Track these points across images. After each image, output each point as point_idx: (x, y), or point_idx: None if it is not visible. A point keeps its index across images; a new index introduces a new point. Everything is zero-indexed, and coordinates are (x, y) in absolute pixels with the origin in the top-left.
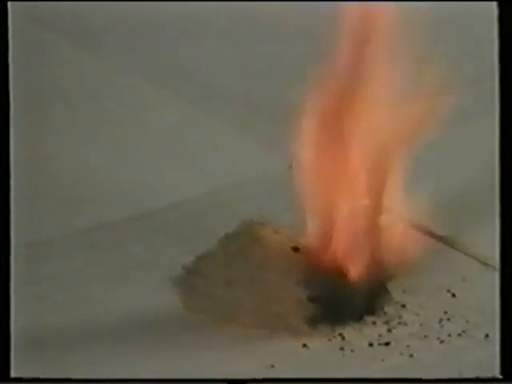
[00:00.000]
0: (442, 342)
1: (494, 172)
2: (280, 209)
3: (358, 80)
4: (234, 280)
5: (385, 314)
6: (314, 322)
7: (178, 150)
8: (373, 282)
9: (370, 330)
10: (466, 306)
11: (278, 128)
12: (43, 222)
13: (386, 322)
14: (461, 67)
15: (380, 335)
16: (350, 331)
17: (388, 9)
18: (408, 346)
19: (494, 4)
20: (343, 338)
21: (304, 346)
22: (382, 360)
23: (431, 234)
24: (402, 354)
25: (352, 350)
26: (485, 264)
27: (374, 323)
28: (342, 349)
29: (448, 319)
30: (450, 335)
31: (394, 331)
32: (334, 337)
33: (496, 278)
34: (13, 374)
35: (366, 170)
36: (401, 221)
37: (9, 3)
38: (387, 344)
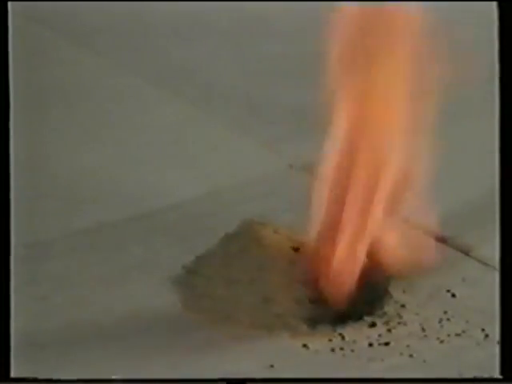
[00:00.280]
0: (441, 341)
1: (494, 172)
2: (280, 209)
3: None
4: (234, 280)
5: (385, 314)
6: (313, 322)
7: (178, 150)
8: (374, 282)
9: (370, 330)
10: (466, 306)
11: (278, 128)
12: (43, 222)
13: (386, 322)
14: (461, 67)
15: (380, 335)
16: (349, 331)
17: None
18: (408, 346)
19: (494, 4)
20: (343, 338)
21: (304, 345)
22: (382, 360)
23: (432, 234)
24: (401, 353)
25: (352, 350)
26: (485, 264)
27: (373, 323)
28: (342, 349)
29: (448, 319)
30: (449, 335)
31: (393, 331)
32: (334, 337)
33: (496, 278)
34: (13, 374)
35: (371, 172)
36: (403, 222)
37: (9, 3)
38: (387, 344)
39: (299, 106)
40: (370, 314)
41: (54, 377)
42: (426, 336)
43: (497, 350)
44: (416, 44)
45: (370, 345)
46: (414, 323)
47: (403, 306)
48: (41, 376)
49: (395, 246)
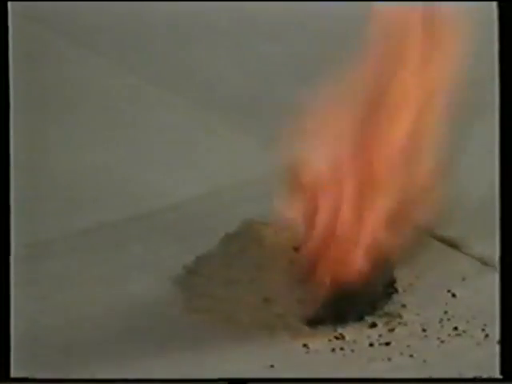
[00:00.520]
0: (442, 341)
1: (494, 172)
2: (280, 209)
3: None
4: (235, 280)
5: (385, 314)
6: (314, 322)
7: (178, 150)
8: (374, 281)
9: (371, 330)
10: (466, 306)
11: (278, 128)
12: (43, 222)
13: (387, 322)
14: (461, 67)
15: (380, 335)
16: (350, 331)
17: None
18: (408, 346)
19: (494, 4)
20: (343, 338)
21: (304, 345)
22: (383, 360)
23: (432, 235)
24: (402, 353)
25: (352, 350)
26: (485, 264)
27: (374, 323)
28: (342, 349)
29: (448, 319)
30: (449, 335)
31: (394, 331)
32: (334, 337)
33: (496, 278)
34: (13, 374)
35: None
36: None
37: (9, 3)
38: (387, 344)
39: (299, 106)
40: (370, 313)
41: (54, 377)
42: (426, 336)
43: (497, 350)
44: (416, 44)
45: (371, 345)
46: (414, 323)
47: (403, 305)
48: (41, 376)
49: (396, 244)
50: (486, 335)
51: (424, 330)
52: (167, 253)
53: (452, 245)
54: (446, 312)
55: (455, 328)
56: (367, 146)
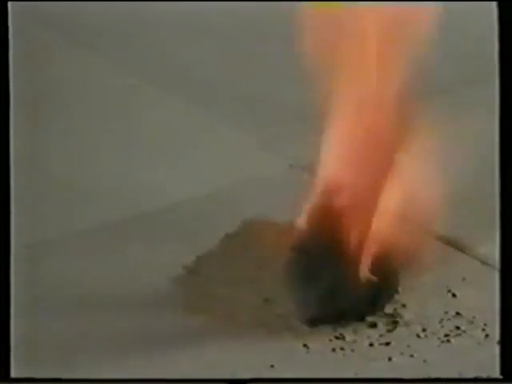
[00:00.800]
0: (442, 341)
1: (494, 172)
2: (280, 209)
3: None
4: (235, 280)
5: (385, 313)
6: (314, 322)
7: (178, 150)
8: (375, 281)
9: (371, 330)
10: (466, 305)
11: (278, 128)
12: (43, 222)
13: (387, 322)
14: (460, 67)
15: (380, 335)
16: (350, 331)
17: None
18: (408, 346)
19: (494, 4)
20: (344, 338)
21: (304, 345)
22: (383, 360)
23: (432, 234)
24: (402, 353)
25: (352, 350)
26: (485, 264)
27: (374, 323)
28: (342, 349)
29: (448, 319)
30: (450, 335)
31: (394, 331)
32: (334, 337)
33: (496, 278)
34: (13, 374)
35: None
36: (403, 221)
37: (9, 3)
38: (387, 344)
39: (299, 106)
40: (371, 314)
41: (54, 377)
42: (426, 336)
43: (497, 350)
44: (415, 44)
45: (371, 345)
46: (414, 323)
47: (404, 305)
48: (41, 376)
49: (399, 244)
50: (486, 335)
51: (424, 330)
52: (167, 253)
53: (452, 245)
54: (446, 312)
55: (455, 328)
56: (368, 145)
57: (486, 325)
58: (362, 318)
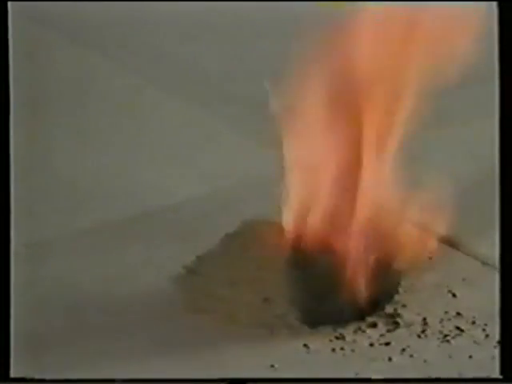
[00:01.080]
0: (442, 342)
1: (494, 171)
2: (280, 209)
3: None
4: (235, 280)
5: (385, 313)
6: (314, 322)
7: (179, 150)
8: (376, 281)
9: (371, 330)
10: (466, 305)
11: (278, 128)
12: (43, 222)
13: (387, 322)
14: (460, 67)
15: (381, 335)
16: (350, 331)
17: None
18: (408, 346)
19: (494, 4)
20: (344, 338)
21: (304, 345)
22: (383, 360)
23: (432, 233)
24: (402, 354)
25: (352, 350)
26: (485, 264)
27: (374, 323)
28: (342, 349)
29: (448, 319)
30: (450, 335)
31: (394, 331)
32: (334, 337)
33: (496, 278)
34: (13, 374)
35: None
36: (402, 220)
37: (9, 3)
38: (388, 344)
39: (299, 106)
40: (370, 313)
41: (54, 377)
42: (426, 336)
43: (497, 350)
44: (415, 44)
45: (371, 345)
46: (414, 323)
47: (404, 305)
48: (41, 376)
49: (402, 244)
50: (486, 335)
51: (424, 330)
52: (167, 253)
53: (452, 245)
54: (446, 312)
55: (455, 328)
56: (366, 147)
57: (486, 325)
58: (362, 318)
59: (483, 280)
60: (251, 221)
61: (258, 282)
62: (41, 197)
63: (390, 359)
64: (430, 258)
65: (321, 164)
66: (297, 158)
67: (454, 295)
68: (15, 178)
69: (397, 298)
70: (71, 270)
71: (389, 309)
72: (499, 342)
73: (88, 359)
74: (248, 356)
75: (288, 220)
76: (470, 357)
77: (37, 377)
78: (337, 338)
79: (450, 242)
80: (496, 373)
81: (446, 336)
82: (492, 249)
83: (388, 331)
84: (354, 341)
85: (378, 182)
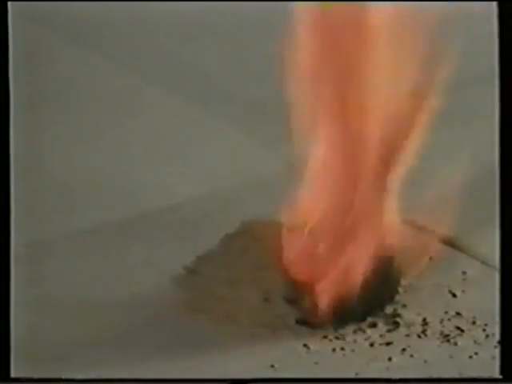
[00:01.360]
0: (442, 341)
1: (494, 171)
2: (280, 209)
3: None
4: (235, 280)
5: (385, 314)
6: (314, 322)
7: (179, 150)
8: (376, 281)
9: (371, 330)
10: (466, 305)
11: (278, 128)
12: (43, 222)
13: (387, 322)
14: (460, 67)
15: (381, 335)
16: (350, 331)
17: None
18: (408, 346)
19: (494, 4)
20: (344, 338)
21: (304, 345)
22: (383, 360)
23: (432, 234)
24: (402, 354)
25: (353, 350)
26: (485, 264)
27: (374, 323)
28: (342, 349)
29: (448, 319)
30: (450, 335)
31: (394, 331)
32: (334, 337)
33: (496, 277)
34: (13, 374)
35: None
36: (402, 221)
37: (9, 3)
38: (388, 344)
39: (299, 106)
40: (371, 314)
41: (54, 377)
42: (426, 336)
43: (497, 350)
44: (414, 44)
45: (371, 345)
46: (414, 323)
47: (404, 305)
48: (41, 376)
49: (401, 246)
50: (487, 335)
51: (424, 330)
52: (167, 253)
53: (452, 245)
54: (446, 312)
55: (455, 328)
56: (367, 144)
57: (486, 325)
58: (362, 319)
59: (483, 280)
60: (251, 221)
61: (257, 281)
62: (41, 197)
63: (390, 359)
64: (430, 258)
65: (320, 163)
66: (297, 157)
67: (454, 295)
68: (15, 178)
69: (397, 298)
70: (71, 270)
71: (389, 309)
72: (499, 342)
73: (88, 359)
74: (248, 356)
75: (288, 220)
76: (470, 357)
77: (37, 377)
78: (337, 337)
79: (450, 242)
80: (496, 373)
81: (445, 336)
82: (492, 249)
83: (388, 331)
84: (354, 341)
85: (378, 181)
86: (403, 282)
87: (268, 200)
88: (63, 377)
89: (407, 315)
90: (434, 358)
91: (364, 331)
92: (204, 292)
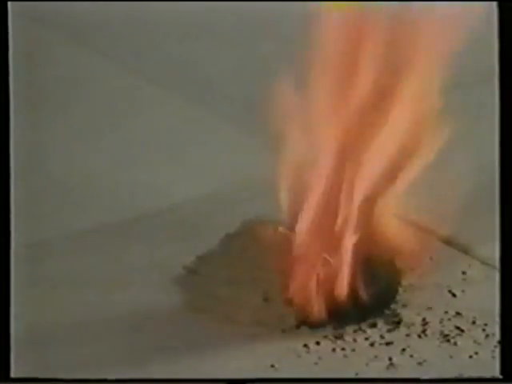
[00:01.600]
0: (442, 341)
1: (494, 171)
2: (280, 209)
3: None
4: (235, 280)
5: (386, 314)
6: (314, 322)
7: (179, 150)
8: (376, 281)
9: (371, 330)
10: (466, 305)
11: (278, 128)
12: (43, 223)
13: (387, 322)
14: (460, 67)
15: (381, 335)
16: (350, 331)
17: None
18: (408, 346)
19: (494, 4)
20: (344, 338)
21: (304, 345)
22: (383, 360)
23: (432, 234)
24: (402, 354)
25: (353, 350)
26: (485, 264)
27: (374, 323)
28: (342, 349)
29: (448, 319)
30: (450, 335)
31: (394, 331)
32: (334, 337)
33: (496, 277)
34: (13, 374)
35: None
36: (402, 221)
37: (9, 3)
38: (388, 344)
39: (299, 105)
40: (371, 314)
41: (54, 377)
42: (426, 336)
43: (497, 350)
44: (414, 44)
45: (371, 345)
46: (414, 323)
47: (404, 305)
48: (41, 376)
49: (400, 244)
50: (487, 335)
51: (424, 330)
52: (167, 253)
53: (452, 245)
54: (446, 312)
55: (455, 328)
56: (367, 146)
57: (486, 325)
58: (362, 319)
59: (483, 280)
60: (251, 221)
61: (257, 281)
62: (41, 197)
63: (390, 359)
64: (430, 258)
65: (319, 163)
66: (297, 157)
67: (453, 295)
68: (15, 178)
69: (397, 297)
70: (71, 270)
71: (389, 309)
72: (499, 342)
73: (88, 359)
74: (248, 356)
75: (287, 220)
76: (470, 357)
77: (37, 377)
78: (337, 337)
79: (450, 242)
80: (496, 373)
81: (445, 336)
82: (492, 249)
83: (388, 331)
84: (354, 341)
85: (378, 181)
86: (403, 282)
87: (268, 200)
88: (63, 377)
89: (407, 315)
90: (434, 358)
91: (364, 331)
92: (204, 292)
